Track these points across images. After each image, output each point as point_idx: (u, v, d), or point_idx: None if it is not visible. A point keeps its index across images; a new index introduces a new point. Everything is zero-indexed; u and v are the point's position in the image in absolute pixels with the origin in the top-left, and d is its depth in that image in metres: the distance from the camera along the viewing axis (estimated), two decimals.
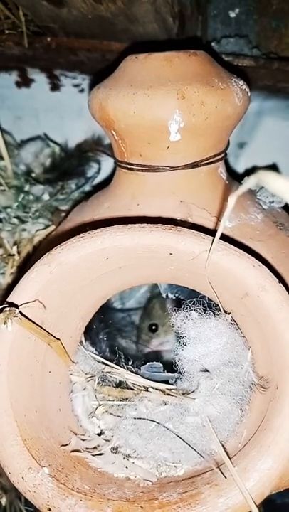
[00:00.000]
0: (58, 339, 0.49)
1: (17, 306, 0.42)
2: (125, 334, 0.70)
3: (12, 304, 0.42)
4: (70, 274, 0.46)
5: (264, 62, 0.74)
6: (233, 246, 0.44)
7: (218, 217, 0.54)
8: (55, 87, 0.85)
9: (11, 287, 0.47)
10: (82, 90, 0.84)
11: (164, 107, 0.49)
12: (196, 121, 0.50)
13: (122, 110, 0.51)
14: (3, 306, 0.41)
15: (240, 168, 0.82)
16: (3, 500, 0.73)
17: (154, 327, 0.67)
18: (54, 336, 0.48)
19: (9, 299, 0.44)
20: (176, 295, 0.64)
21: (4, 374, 0.44)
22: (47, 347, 0.48)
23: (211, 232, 0.52)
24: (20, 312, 0.42)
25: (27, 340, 0.46)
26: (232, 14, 0.81)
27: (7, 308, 0.41)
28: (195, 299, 0.48)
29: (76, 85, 0.84)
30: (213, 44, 0.78)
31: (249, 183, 0.28)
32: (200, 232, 0.45)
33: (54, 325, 0.48)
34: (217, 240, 0.41)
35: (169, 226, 0.45)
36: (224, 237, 0.44)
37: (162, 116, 0.50)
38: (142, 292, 0.83)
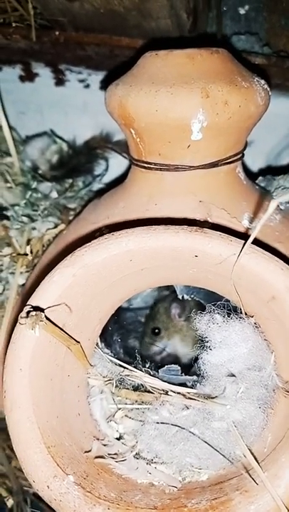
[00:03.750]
0: (78, 342, 0.48)
1: (42, 310, 0.41)
2: (136, 335, 0.69)
3: (37, 308, 0.41)
4: (93, 277, 0.45)
5: (276, 61, 0.73)
6: (261, 249, 0.43)
7: (238, 218, 0.53)
8: (59, 82, 0.83)
9: (31, 288, 0.46)
10: (87, 86, 0.82)
11: (187, 105, 0.48)
12: (219, 120, 0.49)
13: (144, 108, 0.50)
14: (29, 310, 0.40)
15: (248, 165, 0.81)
16: (10, 502, 0.72)
17: (156, 330, 0.66)
18: (74, 339, 0.47)
19: (32, 302, 0.42)
20: (192, 296, 0.63)
21: (27, 379, 0.43)
22: (66, 350, 0.47)
23: (233, 233, 0.52)
24: (45, 316, 0.41)
25: (48, 343, 0.45)
26: (241, 11, 0.80)
27: (33, 313, 0.39)
28: (219, 303, 0.47)
29: (81, 80, 0.82)
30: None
31: None
32: (227, 235, 0.44)
33: (74, 328, 0.47)
34: (249, 243, 0.40)
35: (195, 228, 0.44)
36: (247, 238, 0.43)
37: (185, 115, 0.49)
38: (148, 291, 0.82)
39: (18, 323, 0.41)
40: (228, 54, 0.54)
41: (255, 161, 0.79)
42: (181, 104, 0.48)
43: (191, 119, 0.49)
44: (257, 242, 0.51)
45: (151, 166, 0.54)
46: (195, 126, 0.50)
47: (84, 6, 0.66)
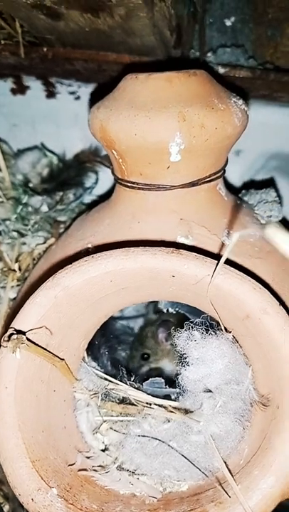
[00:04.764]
0: (63, 359, 0.49)
1: (24, 333, 0.43)
2: (125, 346, 0.71)
3: (19, 331, 0.43)
4: (74, 297, 0.47)
5: (260, 73, 0.74)
6: (234, 269, 0.45)
7: (218, 235, 0.55)
8: (50, 94, 0.85)
9: (20, 304, 0.47)
10: (78, 98, 0.84)
11: (165, 129, 0.50)
12: (197, 142, 0.51)
13: (123, 132, 0.51)
14: (11, 332, 0.42)
15: (236, 175, 0.83)
16: (6, 508, 0.74)
17: (146, 355, 0.68)
18: (58, 357, 0.49)
19: (15, 325, 0.44)
20: (177, 309, 0.65)
21: (12, 397, 0.45)
22: (51, 366, 0.49)
23: (211, 252, 0.53)
24: (27, 338, 0.43)
25: (32, 362, 0.46)
26: (228, 23, 0.81)
27: (15, 336, 0.41)
28: (197, 320, 0.49)
29: (72, 92, 0.84)
30: (209, 54, 0.78)
31: (257, 231, 0.29)
32: (202, 256, 0.46)
33: (58, 346, 0.49)
34: (221, 264, 0.42)
35: (172, 249, 0.46)
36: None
37: (163, 139, 0.50)
38: None
39: (1, 346, 0.43)
40: (207, 75, 0.55)
41: (243, 170, 0.81)
42: (159, 128, 0.50)
43: (168, 143, 0.51)
44: (232, 261, 0.52)
45: (134, 186, 0.56)
46: (173, 149, 0.51)
47: (69, 25, 0.67)
